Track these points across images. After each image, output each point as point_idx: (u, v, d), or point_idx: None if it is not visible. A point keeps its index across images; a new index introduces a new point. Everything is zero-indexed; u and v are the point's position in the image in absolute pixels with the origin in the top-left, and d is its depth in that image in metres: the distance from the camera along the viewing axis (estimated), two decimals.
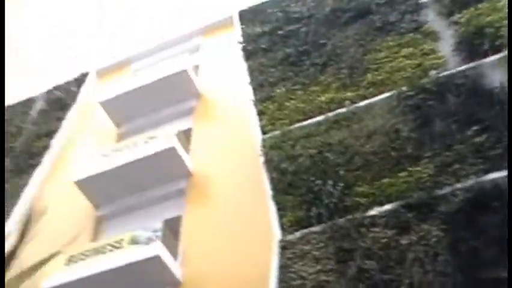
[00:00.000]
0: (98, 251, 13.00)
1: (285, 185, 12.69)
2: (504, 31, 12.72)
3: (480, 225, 9.90)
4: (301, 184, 12.41)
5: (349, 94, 13.90)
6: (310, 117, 13.93)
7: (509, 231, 8.92)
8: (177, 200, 14.65)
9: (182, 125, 16.29)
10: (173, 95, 17.29)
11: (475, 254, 9.61)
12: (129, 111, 17.75)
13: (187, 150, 15.52)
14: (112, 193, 15.16)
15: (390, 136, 12.27)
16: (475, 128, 11.38)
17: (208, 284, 12.32)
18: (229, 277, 12.03)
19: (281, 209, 12.32)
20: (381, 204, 11.15)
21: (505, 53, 12.35)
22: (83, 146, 17.63)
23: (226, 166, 14.62)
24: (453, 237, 9.96)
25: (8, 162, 18.52)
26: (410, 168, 11.44)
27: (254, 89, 16.08)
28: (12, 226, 15.08)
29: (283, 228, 11.93)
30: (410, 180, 11.26)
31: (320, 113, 13.85)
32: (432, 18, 14.88)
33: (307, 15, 17.61)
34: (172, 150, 14.80)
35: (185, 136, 16.03)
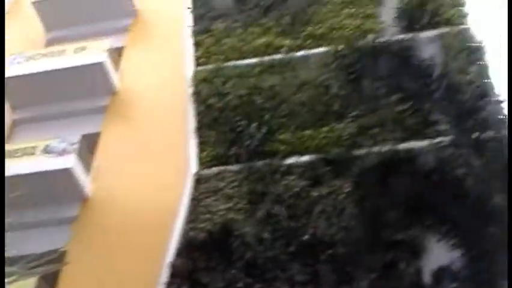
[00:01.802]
0: (9, 155, 12.68)
1: (210, 119, 12.80)
2: (442, 10, 13.20)
3: (388, 187, 10.53)
4: (226, 121, 12.57)
5: (287, 42, 13.96)
6: (246, 58, 13.94)
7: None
8: (99, 116, 14.40)
9: (115, 42, 15.84)
10: (111, 9, 16.74)
11: (379, 213, 10.24)
12: (63, 16, 16.98)
13: (116, 67, 15.21)
14: (32, 97, 14.70)
15: (320, 90, 12.58)
16: (399, 95, 11.90)
17: (115, 202, 12.36)
18: (138, 199, 12.12)
19: (202, 143, 12.46)
20: (300, 154, 11.53)
21: (440, 30, 12.88)
22: (11, 45, 16.85)
23: (154, 90, 14.46)
24: (361, 195, 10.55)
25: None
26: (333, 125, 11.85)
27: (194, 19, 15.82)
28: None
29: (201, 162, 12.12)
30: (330, 136, 11.68)
31: (256, 55, 13.88)
32: None
33: None
34: (100, 65, 14.48)
35: (117, 54, 15.66)
